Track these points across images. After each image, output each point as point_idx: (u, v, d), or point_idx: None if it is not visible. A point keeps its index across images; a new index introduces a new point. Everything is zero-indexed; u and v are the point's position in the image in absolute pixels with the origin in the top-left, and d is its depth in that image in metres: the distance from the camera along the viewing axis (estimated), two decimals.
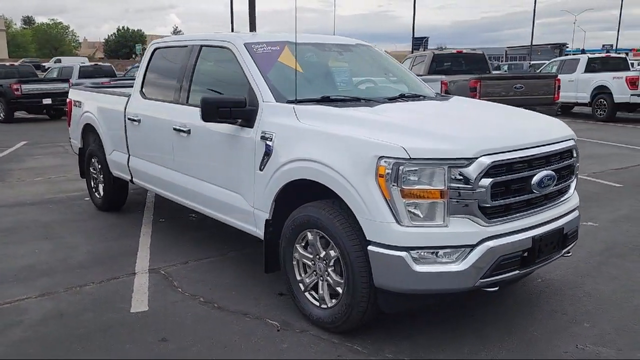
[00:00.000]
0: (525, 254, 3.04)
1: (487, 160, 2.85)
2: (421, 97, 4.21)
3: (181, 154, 4.46)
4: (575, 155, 3.49)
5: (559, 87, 11.13)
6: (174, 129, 4.43)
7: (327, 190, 3.22)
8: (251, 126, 3.67)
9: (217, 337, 3.28)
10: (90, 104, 6.11)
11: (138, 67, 21.98)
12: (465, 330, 3.34)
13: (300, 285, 3.47)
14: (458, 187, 2.82)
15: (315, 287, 3.41)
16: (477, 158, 2.84)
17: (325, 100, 3.74)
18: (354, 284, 3.05)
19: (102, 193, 6.20)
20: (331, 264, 3.24)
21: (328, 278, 3.27)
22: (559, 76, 12.10)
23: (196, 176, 4.32)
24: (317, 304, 3.36)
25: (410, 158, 2.80)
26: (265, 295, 3.88)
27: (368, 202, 2.90)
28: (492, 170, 2.88)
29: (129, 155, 5.38)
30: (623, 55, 20.01)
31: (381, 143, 2.90)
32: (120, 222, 5.80)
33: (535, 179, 3.08)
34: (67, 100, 6.77)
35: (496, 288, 3.04)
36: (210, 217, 4.36)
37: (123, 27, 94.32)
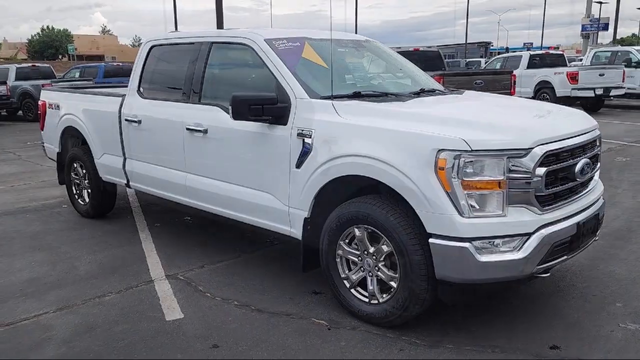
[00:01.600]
0: (571, 240, 3.15)
1: (541, 150, 2.94)
2: (439, 92, 4.27)
3: (194, 154, 4.31)
4: (599, 143, 3.65)
5: (514, 82, 11.60)
6: (187, 129, 4.28)
7: (373, 185, 3.22)
8: (284, 123, 3.60)
9: (271, 340, 3.20)
10: (71, 105, 5.79)
11: (79, 68, 21.08)
12: (515, 319, 3.43)
13: (346, 282, 3.44)
14: (516, 177, 2.89)
15: (361, 284, 3.40)
16: (532, 148, 2.92)
17: (357, 96, 3.72)
18: (411, 277, 3.06)
19: (87, 199, 5.89)
20: (382, 259, 3.24)
21: (379, 273, 3.26)
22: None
23: (213, 177, 4.19)
24: (367, 300, 3.35)
25: (471, 150, 2.84)
26: (300, 295, 3.82)
27: (428, 195, 2.92)
28: (545, 160, 2.96)
29: (125, 158, 5.14)
30: (561, 52, 21.08)
31: (440, 136, 2.92)
32: (114, 228, 5.54)
33: (577, 167, 3.21)
34: (40, 102, 6.39)
35: (548, 274, 3.14)
36: (208, 218, 4.24)
37: (48, 27, 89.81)
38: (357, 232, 3.31)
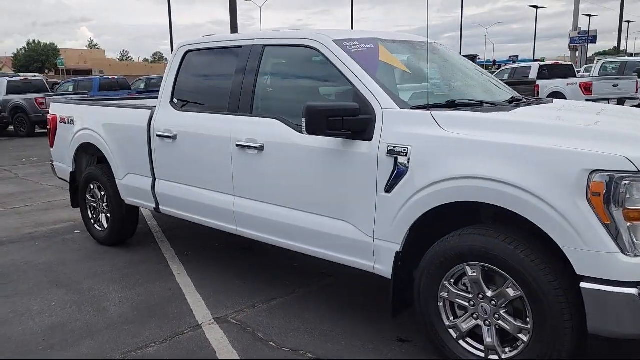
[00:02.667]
0: None
1: None
2: (535, 100, 3.70)
3: (246, 175, 3.69)
4: None
5: (537, 92, 11.14)
6: (238, 145, 3.66)
7: (468, 211, 2.65)
8: (368, 138, 3.01)
9: None
10: (88, 119, 5.14)
11: (73, 81, 20.41)
12: None
13: (452, 331, 2.83)
14: None
15: (472, 334, 2.79)
16: None
17: (451, 106, 3.15)
18: (549, 330, 2.46)
19: (105, 225, 5.23)
20: (504, 304, 2.63)
21: (500, 322, 2.66)
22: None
23: (271, 202, 3.57)
24: (482, 355, 2.74)
25: (638, 171, 2.26)
26: (383, 343, 3.21)
27: (579, 228, 2.33)
28: None
29: (155, 179, 4.51)
30: (570, 63, 20.78)
31: (592, 153, 2.34)
32: (139, 258, 4.88)
33: None
34: (50, 116, 5.73)
35: None
36: (238, 243, 3.62)
37: (34, 41, 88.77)
38: (469, 271, 2.70)
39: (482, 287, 2.68)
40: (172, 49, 35.97)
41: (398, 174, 2.87)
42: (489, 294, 2.67)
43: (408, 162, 2.83)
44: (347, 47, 3.33)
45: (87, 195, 5.40)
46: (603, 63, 19.05)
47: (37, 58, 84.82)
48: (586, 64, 31.93)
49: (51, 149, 5.87)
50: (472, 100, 3.27)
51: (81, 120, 5.24)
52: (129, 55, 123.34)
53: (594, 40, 40.77)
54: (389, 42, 3.64)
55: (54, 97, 17.11)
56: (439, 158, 2.74)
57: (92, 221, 5.40)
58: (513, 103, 3.50)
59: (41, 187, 8.59)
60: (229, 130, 3.75)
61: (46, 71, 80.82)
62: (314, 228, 3.33)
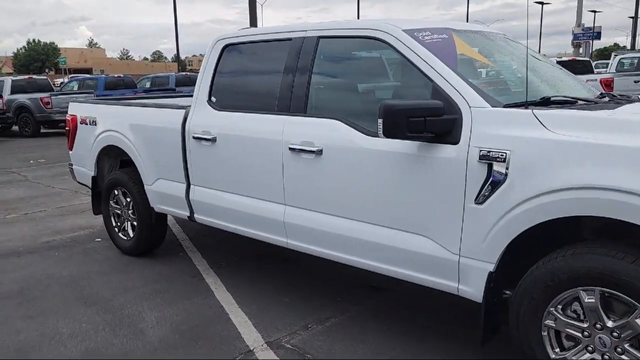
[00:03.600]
0: None
1: None
2: (623, 98, 3.31)
3: (301, 182, 3.31)
4: None
5: None
6: (291, 149, 3.28)
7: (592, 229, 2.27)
8: (453, 142, 2.62)
9: None
10: (113, 120, 4.75)
11: (78, 80, 20.04)
12: None
13: None
14: None
15: None
16: None
17: (547, 103, 2.76)
18: None
19: (131, 233, 4.85)
20: (628, 337, 2.25)
21: (624, 358, 2.27)
22: None
23: (331, 212, 3.18)
24: None
25: None
26: None
27: None
28: None
29: (189, 185, 4.12)
30: (587, 59, 20.38)
31: None
32: (170, 271, 4.49)
33: None
34: (69, 117, 5.34)
35: None
36: (278, 253, 3.24)
37: (34, 40, 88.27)
38: (584, 296, 2.32)
39: (600, 315, 2.30)
40: (177, 47, 35.49)
41: (493, 183, 2.48)
42: (610, 324, 2.28)
43: (507, 170, 2.44)
44: (419, 38, 2.94)
45: (111, 202, 5.01)
46: (620, 59, 18.63)
47: (37, 57, 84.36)
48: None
49: (70, 152, 5.48)
50: (566, 97, 2.88)
51: (104, 121, 4.85)
52: (129, 54, 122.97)
53: (598, 36, 40.37)
54: (462, 32, 3.25)
55: (59, 96, 16.73)
56: (549, 165, 2.35)
57: (116, 229, 5.02)
58: (606, 99, 3.11)
59: (53, 190, 8.21)
60: (280, 132, 3.37)
61: (46, 70, 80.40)
62: (385, 243, 2.94)
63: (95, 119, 4.96)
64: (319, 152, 3.15)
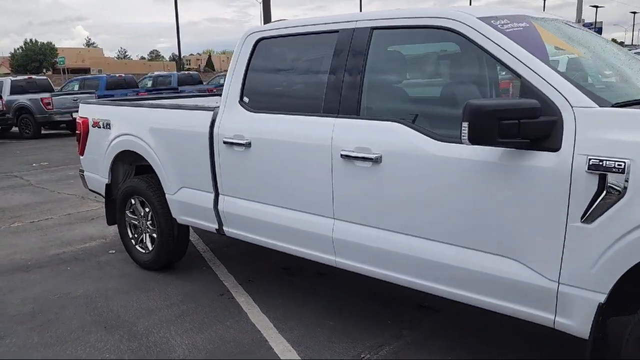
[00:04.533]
0: None
1: None
2: None
3: (355, 193, 2.90)
4: None
5: None
6: (343, 156, 2.87)
7: None
8: (553, 148, 2.22)
9: None
10: (130, 123, 4.34)
11: (78, 80, 19.64)
12: None
13: None
14: None
15: None
16: None
17: None
18: None
19: (150, 246, 4.44)
20: None
21: None
22: None
23: (396, 230, 2.77)
24: None
25: None
26: None
27: None
28: None
29: (218, 195, 3.72)
30: None
31: None
32: (194, 289, 4.09)
33: None
34: (79, 119, 4.93)
35: None
36: (311, 267, 2.83)
37: (31, 40, 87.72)
38: None
39: None
40: (179, 46, 34.87)
41: (606, 198, 2.08)
42: None
43: (626, 182, 2.04)
44: (499, 27, 2.54)
45: (127, 212, 4.60)
46: (635, 52, 18.22)
47: (35, 57, 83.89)
48: None
49: (80, 157, 5.07)
50: None
51: (120, 124, 4.44)
52: (127, 54, 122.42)
53: (599, 31, 40.22)
54: (540, 20, 2.85)
55: (60, 96, 16.30)
56: None
57: (133, 241, 4.61)
58: None
59: (59, 196, 7.79)
60: (328, 137, 2.96)
61: (44, 70, 79.87)
62: (460, 265, 2.54)
63: (110, 121, 4.55)
64: (377, 160, 2.74)
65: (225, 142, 3.52)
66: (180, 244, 4.36)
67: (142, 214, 4.45)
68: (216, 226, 3.80)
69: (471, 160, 2.41)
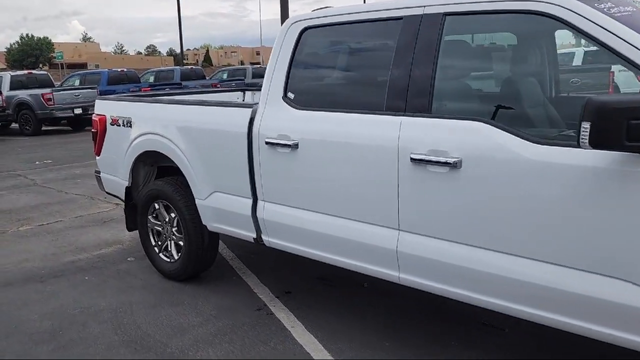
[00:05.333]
0: None
1: None
2: None
3: (426, 202, 2.56)
4: None
5: (612, 80, 10.05)
6: (413, 159, 2.52)
7: None
8: None
9: None
10: (155, 121, 3.98)
11: (79, 75, 19.22)
12: None
13: None
14: None
15: None
16: None
17: None
18: None
19: (176, 255, 4.09)
20: None
21: None
22: None
23: (481, 245, 2.43)
24: None
25: None
26: None
27: None
28: None
29: (256, 200, 3.37)
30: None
31: None
32: (226, 301, 3.74)
33: None
34: (96, 117, 4.57)
35: None
36: (351, 277, 2.49)
37: (27, 35, 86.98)
38: None
39: None
40: (180, 41, 34.22)
41: None
42: None
43: None
44: (606, 11, 2.19)
45: (149, 217, 4.25)
46: None
47: (31, 52, 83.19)
48: None
49: (97, 158, 4.71)
50: None
51: (143, 122, 4.08)
52: (123, 49, 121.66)
53: None
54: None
55: (61, 91, 15.88)
56: None
57: (156, 249, 4.26)
58: None
59: (67, 196, 7.43)
60: (394, 138, 2.61)
61: (40, 65, 79.26)
62: (563, 287, 2.20)
63: (131, 119, 4.19)
64: (456, 165, 2.39)
65: (267, 143, 3.17)
66: (210, 252, 4.02)
67: (166, 220, 4.10)
68: (254, 235, 3.46)
69: (582, 166, 2.07)
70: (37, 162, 10.59)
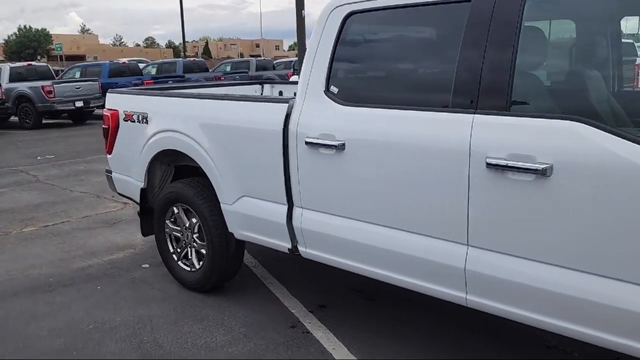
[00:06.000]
0: None
1: None
2: None
3: (505, 214, 2.20)
4: None
5: (638, 73, 9.65)
6: (490, 164, 2.17)
7: None
8: None
9: None
10: (176, 117, 3.62)
11: (79, 67, 18.81)
12: None
13: None
14: None
15: None
16: None
17: None
18: None
19: (197, 264, 3.74)
20: None
21: None
22: None
23: (576, 266, 2.08)
24: None
25: None
26: None
27: None
28: None
29: (292, 207, 3.02)
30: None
31: None
32: (255, 317, 3.40)
33: None
34: (107, 111, 4.21)
35: None
36: (395, 291, 2.15)
37: (25, 27, 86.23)
38: None
39: None
40: (183, 33, 33.48)
41: None
42: None
43: None
44: None
45: (167, 222, 3.90)
46: None
47: (29, 44, 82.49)
48: None
49: (108, 156, 4.35)
50: None
51: (161, 118, 3.72)
52: (122, 40, 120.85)
53: None
54: None
55: (61, 84, 15.49)
56: None
57: (175, 257, 3.91)
58: None
59: (71, 194, 7.07)
60: (465, 140, 2.26)
61: (38, 57, 78.61)
62: None
63: (147, 115, 3.83)
64: (545, 172, 2.04)
65: (308, 144, 2.81)
66: (235, 261, 3.67)
67: (186, 225, 3.75)
68: (288, 245, 3.11)
69: None
70: (38, 157, 10.23)
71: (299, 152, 2.88)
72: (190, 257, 3.79)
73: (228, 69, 22.58)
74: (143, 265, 4.36)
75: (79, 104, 15.38)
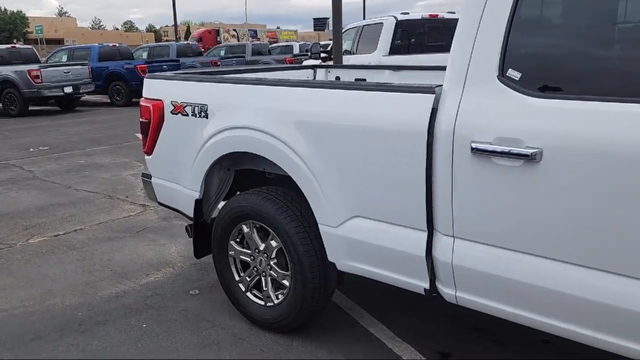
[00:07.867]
0: None
1: None
2: None
3: None
4: None
5: None
6: None
7: None
8: None
9: None
10: (254, 111, 2.76)
11: (65, 50, 17.60)
12: None
13: None
14: None
15: None
16: None
17: None
18: None
19: (276, 298, 2.92)
20: None
21: None
22: None
23: None
24: None
25: None
26: None
27: None
28: None
29: (432, 234, 2.20)
30: None
31: None
32: None
33: None
34: (147, 102, 3.33)
35: None
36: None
37: (0, 9, 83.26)
38: None
39: None
40: (174, 14, 32.02)
41: None
42: None
43: None
44: None
45: (232, 242, 3.06)
46: None
47: (4, 27, 79.68)
48: None
49: (147, 157, 3.49)
50: None
51: (231, 112, 2.86)
52: (101, 24, 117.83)
53: None
54: None
55: (50, 67, 14.37)
56: None
57: (242, 286, 3.08)
58: None
59: (77, 194, 6.16)
60: None
61: (14, 41, 75.94)
62: None
63: (207, 107, 2.97)
64: None
65: (475, 150, 1.99)
66: (328, 295, 2.85)
67: (261, 249, 2.92)
68: (425, 285, 2.30)
69: None
70: (31, 149, 9.24)
71: (457, 161, 2.06)
72: (265, 289, 2.97)
73: (223, 53, 21.52)
74: (191, 292, 3.53)
75: (68, 89, 14.32)
